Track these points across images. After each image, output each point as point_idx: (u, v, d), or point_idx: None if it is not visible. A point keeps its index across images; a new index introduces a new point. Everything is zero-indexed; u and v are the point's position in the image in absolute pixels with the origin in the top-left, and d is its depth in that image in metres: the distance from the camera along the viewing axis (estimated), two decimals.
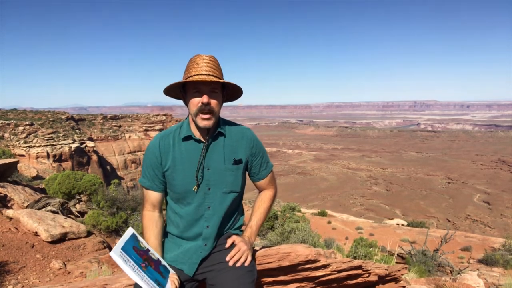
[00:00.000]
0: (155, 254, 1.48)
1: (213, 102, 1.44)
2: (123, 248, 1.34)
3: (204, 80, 1.39)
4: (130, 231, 1.44)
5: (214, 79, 1.41)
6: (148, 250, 1.45)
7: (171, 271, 1.47)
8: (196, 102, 1.43)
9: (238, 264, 1.46)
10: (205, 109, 1.42)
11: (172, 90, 1.51)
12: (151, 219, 1.56)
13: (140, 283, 1.27)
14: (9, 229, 4.39)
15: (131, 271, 1.28)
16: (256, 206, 1.69)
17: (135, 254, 1.37)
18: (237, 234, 1.63)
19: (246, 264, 1.47)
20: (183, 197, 1.53)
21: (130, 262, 1.31)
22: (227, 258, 1.47)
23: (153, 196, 1.57)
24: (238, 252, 1.49)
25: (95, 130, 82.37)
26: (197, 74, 1.41)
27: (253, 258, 1.64)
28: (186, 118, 1.57)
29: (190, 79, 1.41)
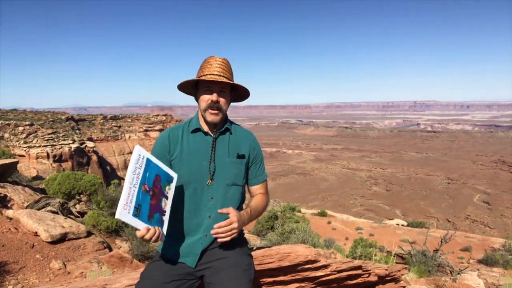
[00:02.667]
0: (168, 204, 1.43)
1: (222, 101, 1.58)
2: (149, 160, 1.35)
3: (215, 80, 1.52)
4: (174, 174, 1.49)
5: (225, 80, 1.54)
6: (167, 196, 1.42)
7: (164, 229, 1.39)
8: (206, 98, 1.57)
9: (219, 240, 1.42)
10: (214, 106, 1.56)
11: (185, 87, 1.64)
12: None
13: (124, 193, 1.23)
14: (9, 229, 4.39)
15: (131, 174, 1.26)
16: (253, 202, 1.69)
17: (152, 179, 1.35)
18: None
19: (227, 239, 1.43)
20: (187, 188, 1.58)
21: (139, 174, 1.30)
22: (215, 226, 1.42)
23: None
24: (227, 227, 1.42)
25: (95, 131, 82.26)
26: (210, 74, 1.55)
27: (251, 257, 1.66)
28: (195, 114, 1.69)
29: (203, 77, 1.55)
